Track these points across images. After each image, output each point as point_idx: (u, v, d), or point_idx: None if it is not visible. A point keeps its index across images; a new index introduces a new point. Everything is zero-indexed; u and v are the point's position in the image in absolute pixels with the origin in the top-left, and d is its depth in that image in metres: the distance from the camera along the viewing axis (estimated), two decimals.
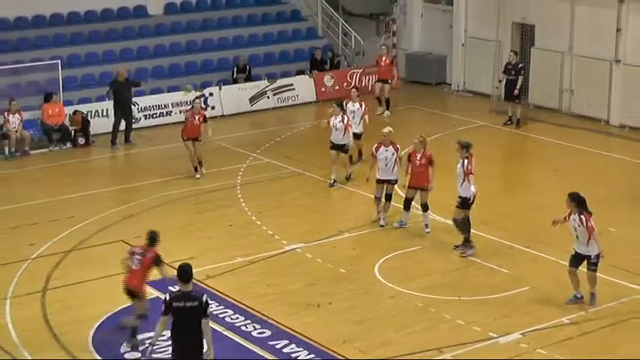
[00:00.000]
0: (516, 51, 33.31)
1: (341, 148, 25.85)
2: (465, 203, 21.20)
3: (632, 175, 27.24)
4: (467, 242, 21.51)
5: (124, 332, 17.43)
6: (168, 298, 14.78)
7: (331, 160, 25.94)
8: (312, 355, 17.20)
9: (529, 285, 20.01)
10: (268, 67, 35.97)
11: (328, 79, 35.75)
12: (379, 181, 23.04)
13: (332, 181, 25.88)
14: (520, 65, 32.21)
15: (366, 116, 27.03)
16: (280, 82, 34.91)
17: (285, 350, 17.36)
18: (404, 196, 22.94)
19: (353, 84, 34.49)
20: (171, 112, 32.42)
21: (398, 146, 23.15)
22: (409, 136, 30.18)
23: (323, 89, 35.55)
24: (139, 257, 17.17)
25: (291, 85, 35.05)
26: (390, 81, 33.76)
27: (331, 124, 25.75)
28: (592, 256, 18.57)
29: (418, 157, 22.40)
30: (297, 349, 17.38)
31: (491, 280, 20.44)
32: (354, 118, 26.62)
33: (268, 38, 37.47)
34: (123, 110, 30.24)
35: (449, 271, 20.86)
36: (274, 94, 34.58)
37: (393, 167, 22.92)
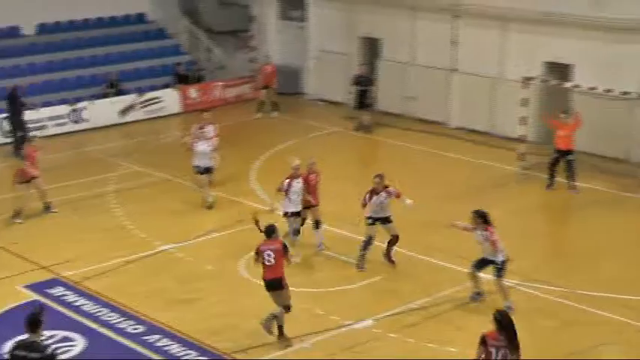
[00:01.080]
0: (366, 63, 33.71)
1: (208, 170, 24.81)
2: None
3: (470, 173, 27.76)
4: None
5: None
6: (12, 346, 12.87)
7: (201, 184, 24.92)
8: (185, 348, 17.11)
9: (380, 275, 20.28)
10: (137, 82, 35.61)
11: (193, 92, 35.64)
12: (294, 214, 21.20)
13: (209, 204, 24.64)
14: (370, 76, 32.66)
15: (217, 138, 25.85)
16: (148, 95, 34.64)
17: (158, 344, 17.24)
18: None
19: (210, 103, 34.49)
20: (46, 125, 31.89)
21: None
22: (273, 141, 30.71)
23: (188, 101, 35.41)
24: (269, 253, 17.02)
25: (158, 98, 34.81)
26: (272, 86, 34.51)
27: (197, 148, 24.62)
28: (498, 262, 18.48)
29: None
30: (170, 343, 17.28)
31: (346, 272, 20.63)
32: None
33: (137, 55, 37.13)
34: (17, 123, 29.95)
35: (306, 266, 20.94)
36: (142, 107, 34.30)
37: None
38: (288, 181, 21.02)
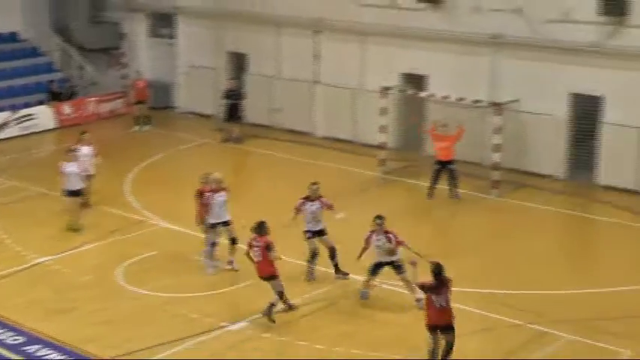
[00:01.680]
0: (234, 78, 33.75)
1: (77, 193, 23.69)
2: None
3: (335, 179, 27.95)
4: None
5: None
6: None
7: (69, 207, 23.67)
8: (65, 356, 16.90)
9: (252, 280, 20.33)
10: (11, 100, 34.84)
11: (67, 108, 35.11)
12: (214, 225, 20.77)
13: (74, 227, 23.51)
14: (240, 91, 32.71)
15: (97, 158, 25.30)
16: (22, 112, 33.95)
17: (38, 354, 16.95)
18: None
19: (84, 119, 34.06)
20: None
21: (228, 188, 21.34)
22: (146, 153, 30.49)
23: (62, 117, 34.87)
24: (256, 249, 18.11)
25: (32, 114, 34.15)
26: (145, 101, 34.35)
27: (65, 170, 23.45)
28: (395, 260, 18.85)
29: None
30: (50, 352, 17.02)
31: (219, 276, 20.64)
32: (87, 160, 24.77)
33: (10, 73, 36.31)
34: None
35: (182, 272, 20.86)
36: (17, 124, 33.61)
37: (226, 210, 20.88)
38: (208, 194, 20.67)
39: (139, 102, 34.53)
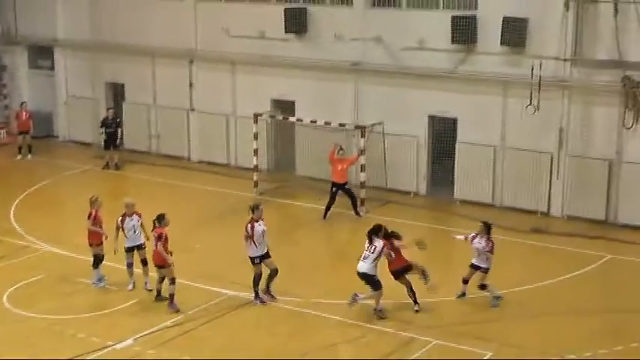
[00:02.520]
0: (112, 107, 33.23)
1: None
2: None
3: (211, 200, 27.86)
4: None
5: None
6: None
7: None
8: None
9: (137, 298, 20.00)
10: None
11: None
12: (129, 249, 20.43)
13: None
14: (117, 119, 32.20)
15: None
16: None
17: None
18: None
19: None
20: None
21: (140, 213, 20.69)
22: (31, 181, 29.76)
23: None
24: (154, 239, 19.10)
25: None
26: (28, 131, 33.55)
27: None
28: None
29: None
30: None
31: (104, 296, 20.25)
32: None
33: None
34: None
35: (66, 295, 20.35)
36: None
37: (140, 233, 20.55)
38: (121, 218, 20.31)
39: (22, 132, 33.64)
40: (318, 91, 29.39)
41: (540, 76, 24.93)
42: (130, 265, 20.59)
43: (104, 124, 32.04)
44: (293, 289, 20.30)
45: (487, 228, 19.53)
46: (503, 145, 26.68)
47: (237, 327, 18.67)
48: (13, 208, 27.06)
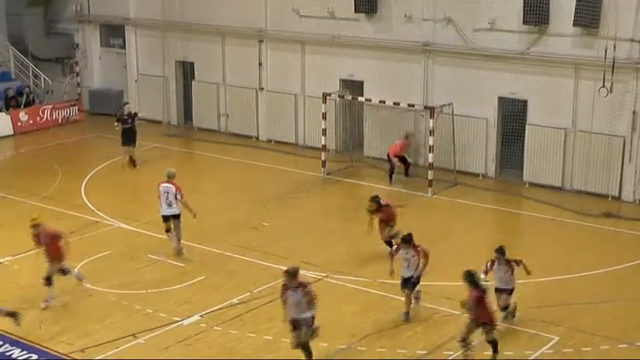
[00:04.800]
0: (128, 102, 32.53)
1: None
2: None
3: (279, 180, 27.93)
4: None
5: None
6: None
7: None
8: (25, 352, 16.62)
9: (204, 275, 20.19)
10: None
11: (23, 115, 34.57)
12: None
13: None
14: (135, 114, 30.47)
15: None
16: None
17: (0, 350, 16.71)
18: None
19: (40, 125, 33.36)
20: None
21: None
22: (94, 160, 30.09)
23: (19, 124, 34.35)
24: None
25: None
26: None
27: None
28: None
29: None
30: (12, 348, 16.77)
31: (172, 272, 20.45)
32: None
33: None
34: None
35: (134, 270, 20.64)
36: None
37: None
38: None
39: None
40: (387, 72, 29.24)
41: (614, 58, 24.49)
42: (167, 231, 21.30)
43: (120, 119, 30.10)
44: (358, 270, 20.33)
45: (502, 253, 17.71)
46: (574, 128, 26.27)
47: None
48: (84, 185, 27.45)
